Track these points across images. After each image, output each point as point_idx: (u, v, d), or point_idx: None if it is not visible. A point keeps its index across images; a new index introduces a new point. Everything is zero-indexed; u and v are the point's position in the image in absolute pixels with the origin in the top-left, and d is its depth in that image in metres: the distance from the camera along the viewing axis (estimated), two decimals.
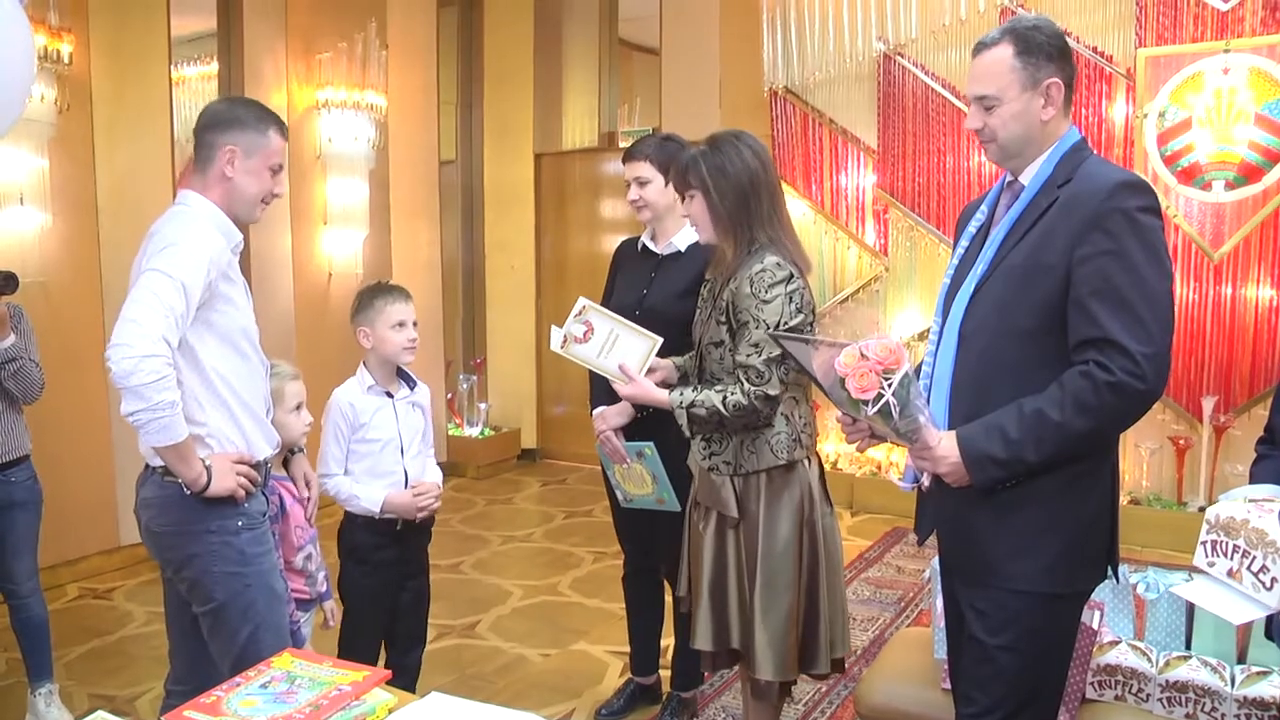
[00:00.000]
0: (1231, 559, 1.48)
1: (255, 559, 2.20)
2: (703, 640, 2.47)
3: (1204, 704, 2.15)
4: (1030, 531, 1.81)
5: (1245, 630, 2.28)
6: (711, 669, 2.62)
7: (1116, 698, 2.24)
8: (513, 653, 3.82)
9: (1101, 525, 1.87)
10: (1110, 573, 1.92)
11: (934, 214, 5.41)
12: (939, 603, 2.46)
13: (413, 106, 6.24)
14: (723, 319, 2.36)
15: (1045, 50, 1.85)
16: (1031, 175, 1.88)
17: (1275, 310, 4.66)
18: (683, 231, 2.90)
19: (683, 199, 2.50)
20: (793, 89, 5.80)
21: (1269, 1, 4.53)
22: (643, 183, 2.88)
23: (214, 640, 2.21)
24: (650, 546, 3.07)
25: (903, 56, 5.44)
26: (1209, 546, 1.53)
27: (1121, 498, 4.94)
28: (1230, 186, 4.66)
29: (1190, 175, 4.74)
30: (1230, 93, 4.60)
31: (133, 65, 4.65)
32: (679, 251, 2.90)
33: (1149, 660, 2.24)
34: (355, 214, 5.79)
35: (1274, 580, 1.41)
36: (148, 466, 2.21)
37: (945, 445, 1.80)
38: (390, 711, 1.51)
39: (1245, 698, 2.11)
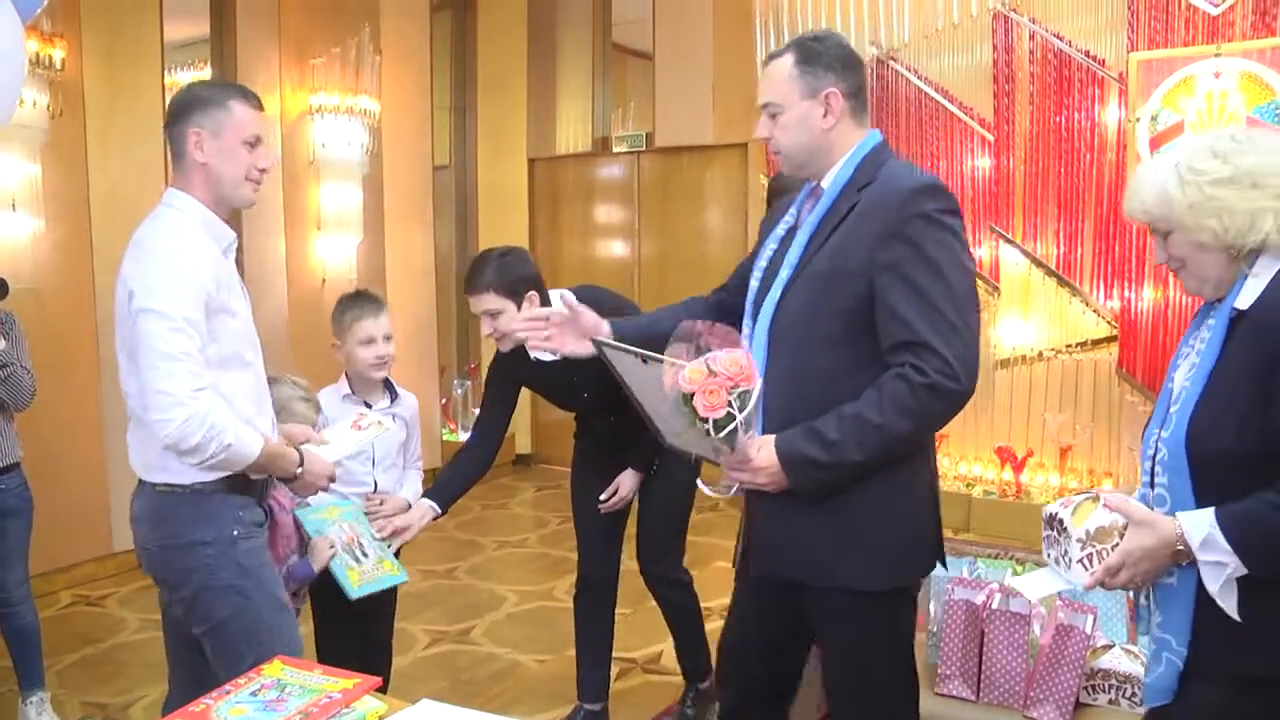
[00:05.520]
0: (1052, 548, 1.66)
1: (254, 571, 2.10)
2: None
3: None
4: (858, 531, 1.85)
5: None
6: None
7: (1110, 702, 2.24)
8: (507, 658, 3.81)
9: (925, 518, 1.94)
10: (940, 564, 2.00)
11: None
12: (932, 606, 2.46)
13: (406, 111, 6.24)
14: None
15: (825, 61, 1.89)
16: (831, 178, 1.91)
17: None
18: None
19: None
20: None
21: (1259, 5, 4.54)
22: (494, 314, 2.63)
23: (219, 661, 2.07)
24: (614, 553, 3.07)
25: (896, 61, 5.45)
26: (1045, 541, 1.70)
27: None
28: None
29: None
30: (1222, 96, 4.61)
31: (126, 71, 4.64)
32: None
33: (1142, 664, 2.24)
34: (349, 219, 5.79)
35: (1071, 561, 1.60)
36: (140, 480, 2.12)
37: (764, 454, 1.80)
38: (381, 719, 1.51)
39: None
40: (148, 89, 4.73)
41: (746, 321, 1.98)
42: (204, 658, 2.12)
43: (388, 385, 2.76)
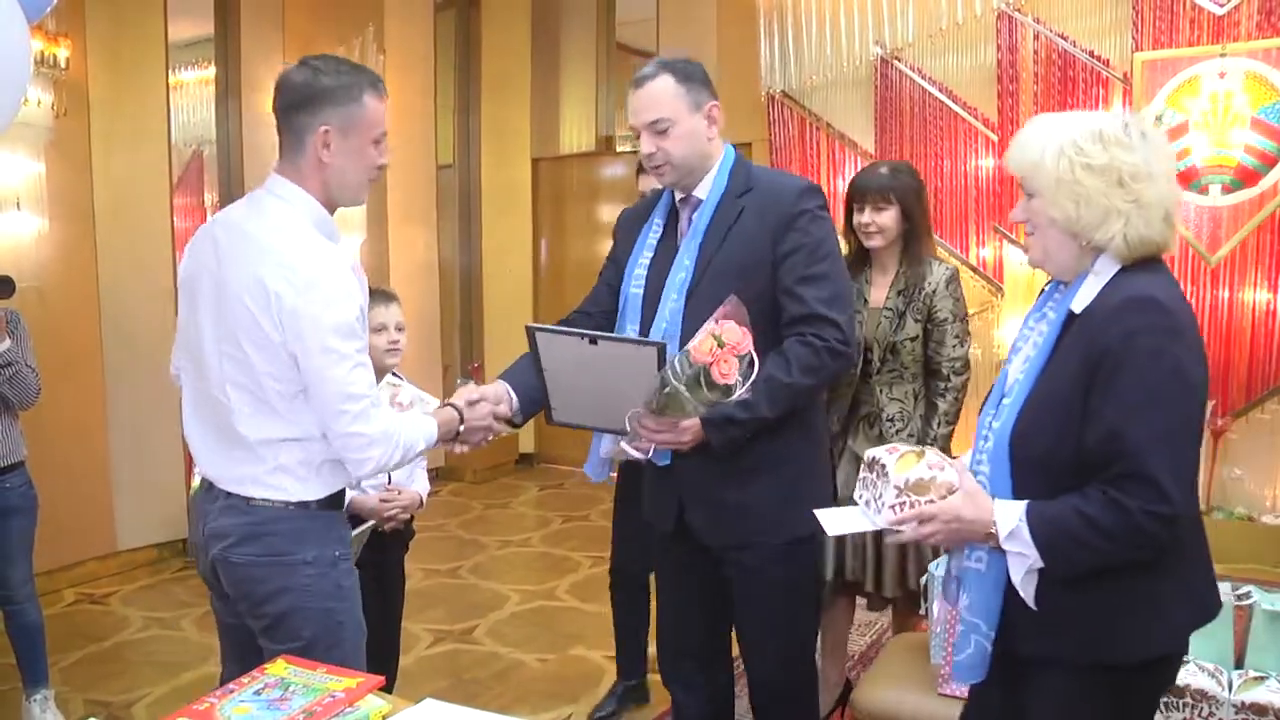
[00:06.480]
0: (867, 490, 1.72)
1: (348, 592, 1.98)
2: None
3: (1201, 709, 2.15)
4: (795, 485, 2.13)
5: (1243, 636, 2.28)
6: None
7: None
8: (510, 657, 3.81)
9: (828, 463, 2.44)
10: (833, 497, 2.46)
11: (931, 218, 5.40)
12: (936, 606, 2.46)
13: (410, 111, 6.24)
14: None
15: (699, 79, 2.10)
16: (707, 189, 2.13)
17: (1272, 314, 4.66)
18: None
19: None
20: (790, 93, 5.80)
21: (1264, 5, 4.53)
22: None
23: None
24: (647, 553, 3.07)
25: (900, 60, 5.44)
26: (860, 482, 1.75)
27: None
28: (1227, 190, 4.66)
29: (1187, 179, 4.74)
30: (1226, 96, 4.61)
31: (130, 70, 4.65)
32: None
33: None
34: (353, 218, 5.79)
35: (883, 505, 1.64)
36: (211, 488, 1.96)
37: (690, 419, 1.97)
38: (385, 718, 1.51)
39: (1243, 703, 2.11)
40: (152, 88, 4.73)
41: (628, 325, 2.19)
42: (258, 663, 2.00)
43: (395, 379, 2.76)
